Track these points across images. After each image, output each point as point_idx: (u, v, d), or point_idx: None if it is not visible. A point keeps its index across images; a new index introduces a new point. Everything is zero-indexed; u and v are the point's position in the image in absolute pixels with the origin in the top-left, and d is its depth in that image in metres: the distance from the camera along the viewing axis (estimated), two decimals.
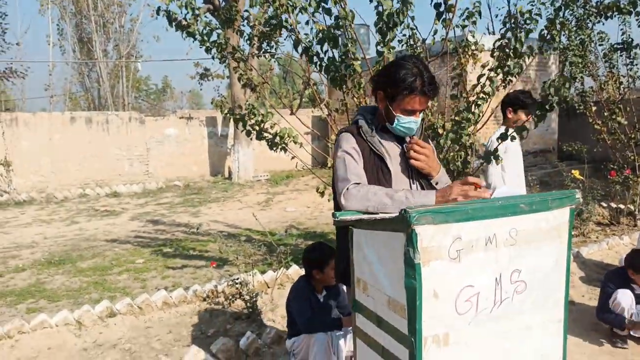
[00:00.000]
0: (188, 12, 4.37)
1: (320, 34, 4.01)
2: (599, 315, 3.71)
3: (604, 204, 7.71)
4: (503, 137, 3.76)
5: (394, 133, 2.10)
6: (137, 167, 14.56)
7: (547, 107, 3.74)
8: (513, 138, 3.75)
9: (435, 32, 4.31)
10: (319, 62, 4.25)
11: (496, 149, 3.83)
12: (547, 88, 3.74)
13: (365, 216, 1.79)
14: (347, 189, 1.89)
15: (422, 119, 2.20)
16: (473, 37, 4.77)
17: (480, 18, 4.39)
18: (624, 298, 3.57)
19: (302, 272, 3.54)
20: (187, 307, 4.51)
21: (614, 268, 4.30)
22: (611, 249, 5.84)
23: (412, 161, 2.04)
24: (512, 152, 4.00)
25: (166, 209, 10.79)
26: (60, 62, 22.93)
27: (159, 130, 14.94)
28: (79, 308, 4.27)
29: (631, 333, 3.65)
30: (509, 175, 3.96)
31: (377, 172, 2.03)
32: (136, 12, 37.40)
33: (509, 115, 3.96)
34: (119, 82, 22.25)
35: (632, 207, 7.28)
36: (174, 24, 4.42)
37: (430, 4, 4.06)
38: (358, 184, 1.92)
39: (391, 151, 2.09)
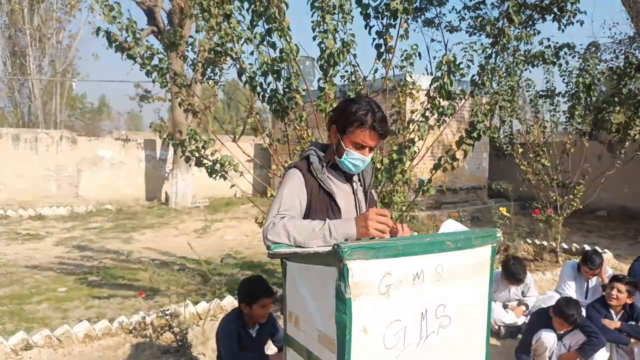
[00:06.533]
0: (129, 35, 4.29)
1: (264, 66, 4.05)
2: (517, 354, 3.84)
3: (529, 241, 8.14)
4: None
5: (343, 170, 2.11)
6: (65, 188, 13.83)
7: (474, 135, 4.01)
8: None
9: (376, 70, 4.49)
10: (262, 93, 4.28)
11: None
12: (475, 113, 4.04)
13: (299, 250, 1.80)
14: (273, 223, 1.88)
15: (373, 165, 2.24)
16: (411, 77, 4.99)
17: (420, 59, 4.63)
18: (547, 338, 3.71)
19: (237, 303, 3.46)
20: (111, 340, 4.26)
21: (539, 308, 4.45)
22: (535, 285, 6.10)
23: (376, 233, 1.82)
24: None
25: (95, 234, 10.26)
26: None
27: (93, 151, 14.33)
28: None
29: None
30: None
31: (327, 210, 2.04)
32: (76, 29, 36.20)
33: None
34: (52, 99, 21.28)
35: (554, 244, 7.74)
36: (114, 45, 4.32)
37: (372, 44, 4.23)
38: (284, 217, 1.91)
39: (340, 188, 2.12)
